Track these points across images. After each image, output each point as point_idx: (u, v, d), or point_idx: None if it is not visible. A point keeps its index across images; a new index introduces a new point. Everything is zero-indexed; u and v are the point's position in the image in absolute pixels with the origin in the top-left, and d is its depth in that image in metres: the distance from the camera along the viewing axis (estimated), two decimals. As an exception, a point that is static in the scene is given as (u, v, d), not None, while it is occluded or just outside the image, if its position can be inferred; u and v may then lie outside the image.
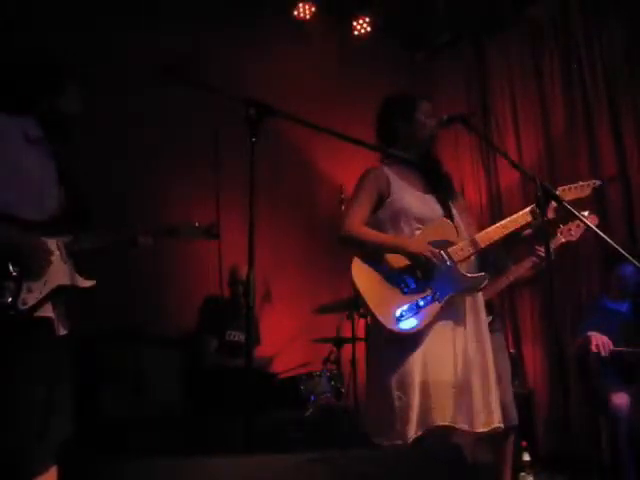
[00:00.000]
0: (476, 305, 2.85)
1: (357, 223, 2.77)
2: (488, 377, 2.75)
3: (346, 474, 1.97)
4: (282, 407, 4.03)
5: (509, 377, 3.89)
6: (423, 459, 2.21)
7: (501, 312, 5.50)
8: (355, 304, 4.48)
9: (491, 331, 3.81)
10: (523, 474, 4.12)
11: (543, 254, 3.62)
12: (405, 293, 2.69)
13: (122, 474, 1.73)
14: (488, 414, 2.71)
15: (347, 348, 4.75)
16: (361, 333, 4.62)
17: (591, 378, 4.18)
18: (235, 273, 4.52)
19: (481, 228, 3.28)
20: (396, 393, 2.60)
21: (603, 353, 3.94)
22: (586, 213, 3.56)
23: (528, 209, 2.95)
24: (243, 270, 4.35)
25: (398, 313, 2.64)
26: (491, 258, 3.72)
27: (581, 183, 3.02)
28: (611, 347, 3.97)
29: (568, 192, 3.00)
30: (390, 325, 2.63)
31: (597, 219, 3.48)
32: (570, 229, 3.56)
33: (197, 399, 4.07)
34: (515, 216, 2.96)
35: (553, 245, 3.59)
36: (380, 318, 2.64)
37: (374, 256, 2.75)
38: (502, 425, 2.74)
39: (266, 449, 2.06)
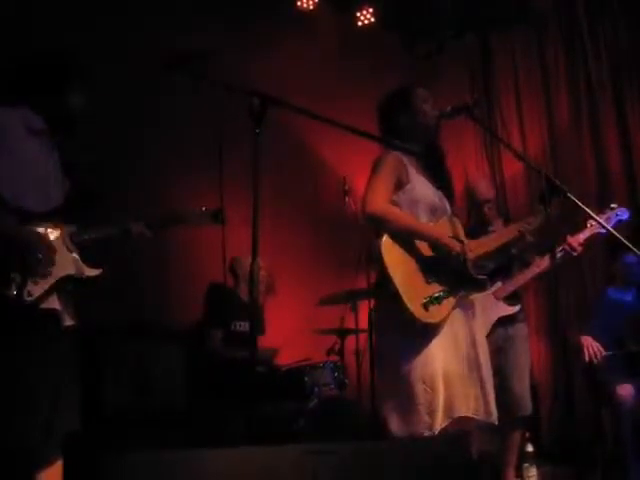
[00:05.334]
0: (474, 303, 2.87)
1: (384, 201, 2.71)
2: (490, 372, 2.78)
3: (349, 465, 1.97)
4: (285, 398, 4.04)
5: (528, 367, 3.91)
6: (427, 450, 2.21)
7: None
8: (359, 294, 4.49)
9: (518, 321, 3.88)
10: (526, 465, 4.12)
11: (573, 244, 3.63)
12: (429, 283, 2.67)
13: (125, 467, 1.74)
14: (494, 406, 2.74)
15: (350, 339, 4.76)
16: (364, 324, 4.62)
17: (596, 371, 4.19)
18: (237, 263, 4.51)
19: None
20: (421, 385, 2.59)
21: (595, 361, 4.01)
22: (615, 205, 3.60)
23: (517, 224, 3.05)
24: (245, 262, 4.35)
25: (424, 302, 2.62)
26: (516, 251, 3.73)
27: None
28: (603, 353, 4.02)
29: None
30: (417, 314, 2.59)
31: (627, 211, 3.54)
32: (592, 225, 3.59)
33: (201, 392, 4.08)
34: (503, 231, 3.03)
35: (578, 239, 3.63)
36: (409, 305, 2.59)
37: (403, 239, 2.68)
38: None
39: (269, 440, 2.07)
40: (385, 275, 2.63)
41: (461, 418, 2.63)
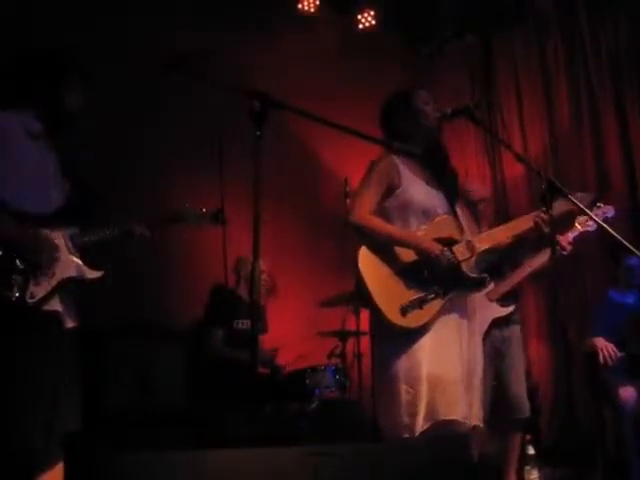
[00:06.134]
0: (473, 304, 2.86)
1: (368, 211, 2.75)
2: (478, 374, 2.78)
3: (350, 467, 1.96)
4: (287, 400, 4.04)
5: (524, 370, 3.92)
6: (427, 453, 2.21)
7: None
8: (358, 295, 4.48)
9: (512, 322, 3.87)
10: (528, 467, 4.13)
11: (563, 244, 3.64)
12: (410, 288, 2.68)
13: (126, 468, 1.74)
14: (478, 411, 2.74)
15: (351, 341, 4.75)
16: (366, 326, 4.61)
17: (598, 372, 4.19)
18: (241, 264, 4.51)
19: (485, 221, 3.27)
20: (404, 386, 2.61)
21: (610, 363, 4.01)
22: (601, 204, 3.60)
23: (532, 215, 2.96)
24: (249, 263, 4.34)
25: (402, 308, 2.63)
26: (508, 251, 3.73)
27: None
28: (617, 354, 4.02)
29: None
30: (393, 319, 2.62)
31: (613, 209, 3.53)
32: (587, 221, 3.59)
33: (201, 392, 4.08)
34: (516, 221, 2.97)
35: (566, 239, 3.63)
36: (384, 311, 2.63)
37: (382, 247, 2.72)
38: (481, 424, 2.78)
39: (270, 442, 2.06)
40: (360, 280, 2.67)
41: (450, 421, 2.62)
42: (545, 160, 5.59)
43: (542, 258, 3.78)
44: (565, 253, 3.66)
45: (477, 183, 4.20)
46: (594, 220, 2.87)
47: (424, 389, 2.60)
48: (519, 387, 3.79)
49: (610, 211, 3.59)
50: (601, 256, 4.91)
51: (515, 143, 5.74)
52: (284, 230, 5.30)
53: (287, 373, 4.34)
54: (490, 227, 3.74)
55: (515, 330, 3.88)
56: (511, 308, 3.84)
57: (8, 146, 2.44)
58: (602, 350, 4.03)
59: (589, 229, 3.57)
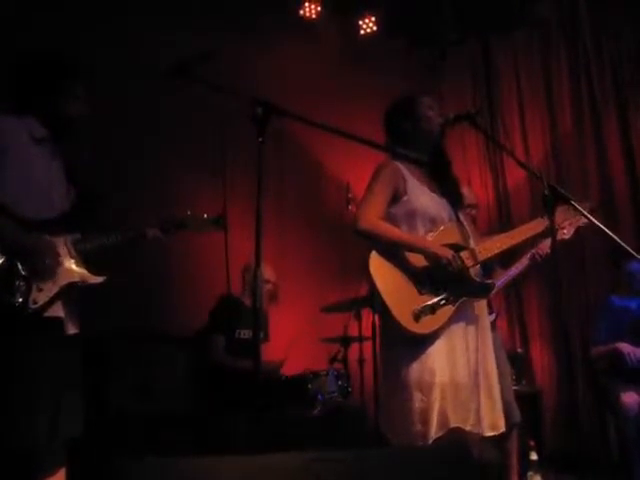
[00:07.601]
0: (481, 308, 2.85)
1: (375, 216, 2.73)
2: (492, 380, 2.77)
3: (353, 473, 1.96)
4: (289, 406, 4.03)
5: (509, 375, 3.91)
6: (431, 458, 2.20)
7: (507, 310, 5.50)
8: (363, 302, 4.49)
9: (492, 330, 3.86)
10: (531, 473, 4.11)
11: (541, 252, 3.65)
12: (422, 294, 2.67)
13: (128, 474, 1.74)
14: (495, 417, 2.73)
15: (354, 347, 4.75)
16: (368, 332, 4.61)
17: (601, 377, 4.18)
18: (246, 271, 4.51)
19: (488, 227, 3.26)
20: (417, 394, 2.60)
21: (638, 365, 3.99)
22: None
23: (538, 219, 2.92)
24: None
25: (415, 313, 2.62)
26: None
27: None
28: None
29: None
30: (407, 325, 2.61)
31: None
32: (563, 228, 3.55)
33: (203, 399, 4.07)
34: (523, 227, 2.94)
35: (548, 245, 3.63)
36: (397, 317, 2.61)
37: (392, 252, 2.71)
38: (504, 429, 2.76)
39: (272, 448, 2.06)
40: (373, 286, 2.66)
41: (460, 428, 2.61)
42: (547, 165, 5.59)
43: (521, 266, 3.81)
44: (540, 261, 3.69)
45: (466, 188, 4.18)
46: (597, 225, 2.86)
47: (437, 396, 2.59)
48: (507, 393, 3.76)
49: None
50: (603, 258, 4.91)
51: (517, 148, 5.74)
52: (286, 236, 5.30)
53: (289, 378, 4.33)
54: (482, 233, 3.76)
55: (495, 337, 3.86)
56: (493, 315, 3.85)
57: (12, 151, 2.44)
58: (629, 355, 4.01)
59: (565, 237, 3.55)
